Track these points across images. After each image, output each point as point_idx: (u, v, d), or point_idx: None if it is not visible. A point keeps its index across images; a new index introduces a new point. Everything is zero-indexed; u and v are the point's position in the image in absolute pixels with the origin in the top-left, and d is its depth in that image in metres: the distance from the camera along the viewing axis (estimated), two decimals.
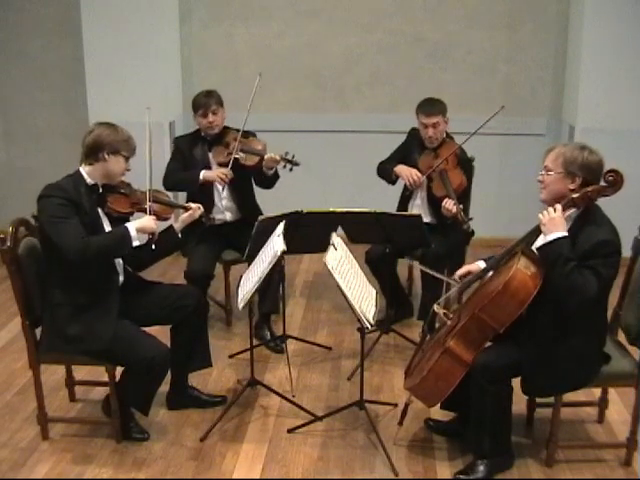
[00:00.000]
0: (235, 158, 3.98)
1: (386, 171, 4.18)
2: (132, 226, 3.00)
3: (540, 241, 2.74)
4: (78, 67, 5.24)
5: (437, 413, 3.24)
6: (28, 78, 5.62)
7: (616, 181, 2.69)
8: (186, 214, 3.29)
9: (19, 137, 5.73)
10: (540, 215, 2.71)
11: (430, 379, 2.84)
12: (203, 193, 4.05)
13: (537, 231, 2.78)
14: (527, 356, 2.79)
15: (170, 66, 5.34)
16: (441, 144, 4.05)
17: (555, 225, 2.65)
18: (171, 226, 3.26)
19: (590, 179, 2.71)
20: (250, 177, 4.17)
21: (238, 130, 4.05)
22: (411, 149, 4.16)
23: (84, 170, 3.01)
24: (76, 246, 2.82)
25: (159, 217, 3.21)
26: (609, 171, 2.69)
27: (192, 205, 3.33)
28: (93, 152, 2.98)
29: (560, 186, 2.73)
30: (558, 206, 2.68)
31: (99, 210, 3.04)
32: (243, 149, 4.03)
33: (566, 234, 2.65)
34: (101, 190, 3.05)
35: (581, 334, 2.76)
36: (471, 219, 3.78)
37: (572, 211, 2.73)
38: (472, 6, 5.34)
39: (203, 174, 4.02)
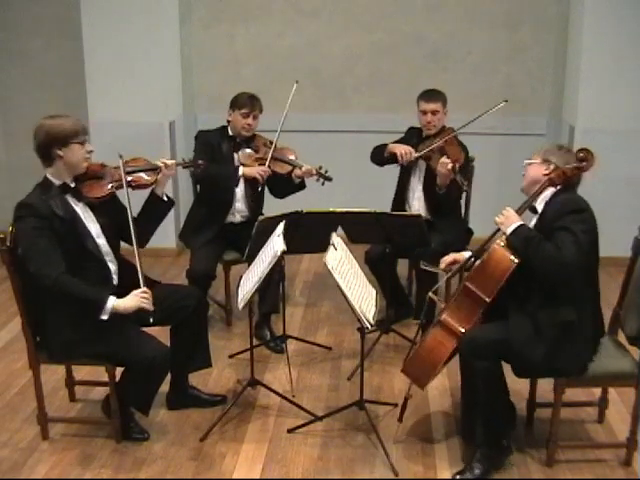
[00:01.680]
0: (271, 157, 3.99)
1: (379, 150, 4.20)
2: (112, 301, 2.86)
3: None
4: (78, 67, 5.24)
5: (441, 414, 3.23)
6: (28, 78, 5.62)
7: (586, 158, 2.85)
8: (161, 175, 3.21)
9: (19, 137, 5.72)
10: (496, 218, 2.90)
11: (422, 352, 2.91)
12: (225, 194, 4.05)
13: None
14: (513, 330, 2.79)
15: (170, 66, 5.34)
16: (439, 132, 4.08)
17: (510, 220, 2.85)
18: (152, 192, 3.22)
19: (563, 165, 2.87)
20: (268, 184, 4.16)
21: (269, 140, 4.08)
22: (409, 143, 4.16)
23: (49, 174, 2.94)
24: (46, 279, 2.78)
25: (143, 186, 3.16)
26: (580, 150, 2.86)
27: (167, 162, 3.23)
28: (45, 154, 2.90)
29: (536, 172, 2.93)
30: (508, 208, 2.90)
31: (77, 208, 2.97)
32: (276, 157, 4.03)
33: (522, 222, 2.82)
34: (73, 184, 2.98)
35: (568, 304, 2.77)
36: (469, 184, 3.86)
37: (550, 191, 2.87)
38: (472, 6, 5.34)
39: (243, 170, 3.99)
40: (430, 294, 3.12)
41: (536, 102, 5.48)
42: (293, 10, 5.45)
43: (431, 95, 4.08)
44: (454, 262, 3.12)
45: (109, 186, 3.06)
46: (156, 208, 3.23)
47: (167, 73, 5.27)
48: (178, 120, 5.43)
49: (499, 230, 2.91)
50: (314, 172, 4.02)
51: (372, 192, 4.49)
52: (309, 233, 3.58)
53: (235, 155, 4.10)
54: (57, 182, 2.94)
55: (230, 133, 4.13)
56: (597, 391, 3.32)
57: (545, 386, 3.15)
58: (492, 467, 2.91)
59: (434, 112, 4.04)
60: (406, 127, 4.31)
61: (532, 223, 2.93)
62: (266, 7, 5.46)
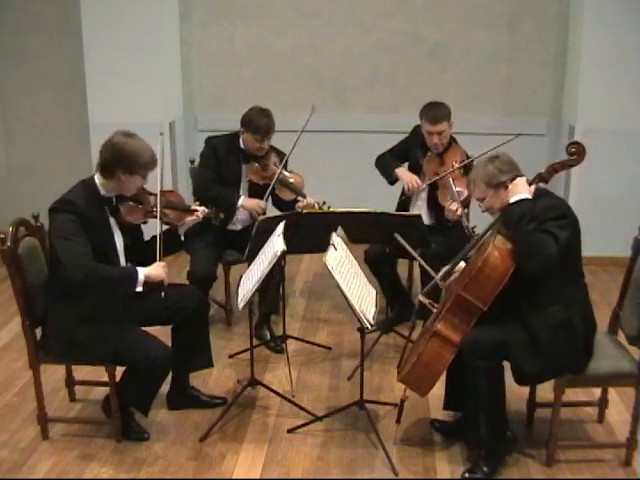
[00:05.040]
0: (272, 187, 3.95)
1: (387, 168, 4.13)
2: (142, 272, 2.94)
3: None
4: (78, 67, 5.24)
5: (441, 413, 3.25)
6: (28, 78, 5.62)
7: (578, 152, 2.80)
8: (190, 218, 3.27)
9: (19, 137, 5.73)
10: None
11: (421, 364, 2.87)
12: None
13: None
14: (512, 336, 2.80)
15: (170, 66, 5.34)
16: (446, 148, 4.01)
17: (517, 189, 2.78)
18: (173, 227, 3.25)
19: (513, 174, 2.82)
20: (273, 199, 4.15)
21: (280, 152, 4.05)
22: (413, 148, 4.13)
23: (98, 180, 2.94)
24: (80, 269, 2.79)
25: (172, 223, 3.19)
26: (571, 143, 2.81)
27: (198, 208, 3.29)
28: (108, 169, 2.90)
29: (499, 200, 2.85)
30: (523, 177, 2.82)
31: (111, 221, 2.99)
32: (282, 182, 3.98)
33: (529, 196, 2.76)
34: (115, 202, 3.00)
35: (556, 304, 2.77)
36: (474, 227, 3.72)
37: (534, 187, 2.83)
38: (472, 6, 5.34)
39: (242, 203, 3.97)
40: (420, 297, 3.11)
41: (536, 102, 5.47)
42: (293, 10, 5.45)
43: (436, 116, 3.89)
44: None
45: (144, 214, 3.09)
46: (172, 244, 3.24)
47: (167, 73, 5.27)
48: (178, 120, 5.44)
49: (489, 228, 2.90)
50: (316, 207, 3.91)
51: (372, 192, 4.49)
52: (309, 233, 3.58)
53: (243, 167, 4.06)
54: (104, 193, 2.95)
55: (242, 145, 4.06)
56: (597, 391, 3.32)
57: (545, 386, 3.14)
58: (499, 463, 2.92)
59: (440, 132, 3.91)
60: (406, 127, 4.29)
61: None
62: (266, 7, 5.45)
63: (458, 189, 3.80)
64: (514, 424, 2.97)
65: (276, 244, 3.03)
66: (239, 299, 3.16)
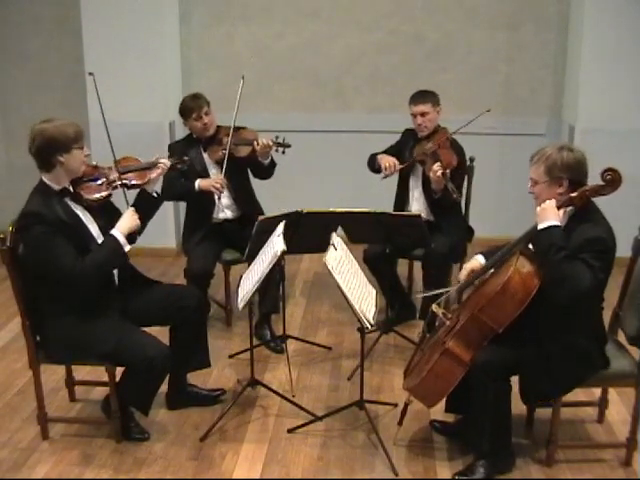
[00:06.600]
0: (229, 153, 3.98)
1: (372, 159, 4.24)
2: (118, 232, 2.94)
3: None
4: (78, 67, 5.24)
5: (441, 414, 3.24)
6: (28, 78, 5.63)
7: (614, 180, 2.69)
8: (154, 173, 3.26)
9: (19, 137, 5.70)
10: (537, 208, 2.76)
11: (430, 379, 2.85)
12: (203, 194, 4.05)
13: (535, 229, 2.79)
14: (525, 355, 2.79)
15: (170, 66, 5.34)
16: (434, 132, 4.07)
17: (545, 215, 2.69)
18: (142, 190, 3.23)
19: (576, 178, 2.72)
20: (246, 171, 4.19)
21: (230, 127, 4.07)
22: (406, 146, 4.18)
23: (46, 179, 2.91)
24: (74, 273, 2.80)
25: (138, 185, 3.18)
26: (607, 170, 2.68)
27: (162, 160, 3.31)
28: (46, 160, 2.87)
29: (550, 193, 2.75)
30: (552, 201, 2.71)
31: (78, 212, 2.96)
32: (235, 142, 4.05)
33: (558, 223, 2.67)
34: (71, 188, 2.97)
35: (578, 333, 2.77)
36: (459, 191, 3.84)
37: (570, 209, 2.75)
38: (472, 6, 5.34)
39: (198, 184, 4.03)
40: (434, 307, 3.05)
41: (536, 102, 5.48)
42: (293, 10, 5.45)
43: (418, 97, 4.05)
44: (471, 272, 3.01)
45: (105, 187, 3.07)
46: (147, 206, 3.24)
47: (167, 73, 5.27)
48: (178, 120, 5.40)
49: (519, 242, 2.83)
50: (270, 144, 4.00)
51: (372, 192, 4.49)
52: (309, 233, 3.58)
53: (205, 155, 4.13)
54: (56, 187, 2.92)
55: (194, 137, 4.16)
56: (597, 391, 3.32)
57: None
58: (495, 472, 2.90)
59: (423, 114, 4.02)
60: (406, 127, 4.30)
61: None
62: (266, 7, 5.46)
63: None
64: (514, 424, 2.95)
65: (276, 244, 3.03)
66: (239, 299, 3.16)
